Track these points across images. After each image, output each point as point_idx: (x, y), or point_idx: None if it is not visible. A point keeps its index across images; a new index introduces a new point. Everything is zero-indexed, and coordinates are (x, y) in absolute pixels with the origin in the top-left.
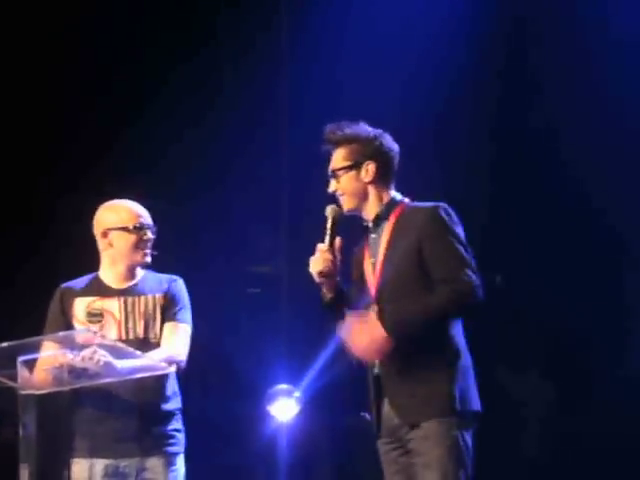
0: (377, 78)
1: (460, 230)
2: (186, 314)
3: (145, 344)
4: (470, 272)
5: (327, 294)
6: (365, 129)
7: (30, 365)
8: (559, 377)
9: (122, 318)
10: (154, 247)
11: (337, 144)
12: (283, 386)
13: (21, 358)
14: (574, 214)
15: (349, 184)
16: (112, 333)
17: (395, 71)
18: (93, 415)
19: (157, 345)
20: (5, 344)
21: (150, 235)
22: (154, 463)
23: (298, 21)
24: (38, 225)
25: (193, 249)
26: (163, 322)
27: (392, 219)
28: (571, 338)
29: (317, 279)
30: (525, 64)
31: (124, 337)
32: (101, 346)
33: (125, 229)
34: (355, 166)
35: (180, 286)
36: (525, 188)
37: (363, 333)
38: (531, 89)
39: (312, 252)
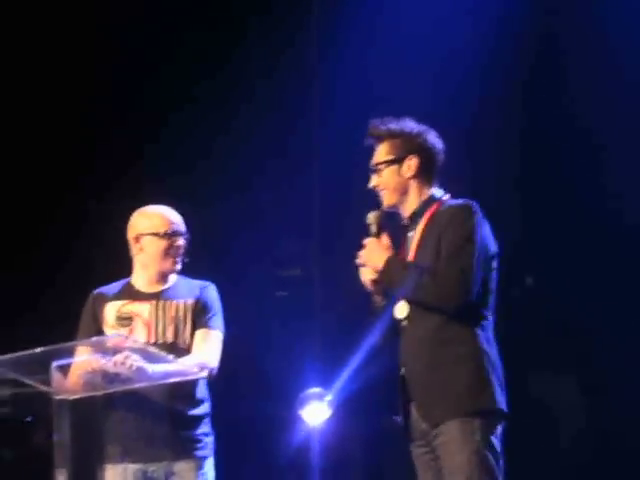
0: (407, 77)
1: (480, 231)
2: (218, 321)
3: (174, 349)
4: (460, 277)
5: (381, 302)
6: (410, 124)
7: (64, 370)
8: (589, 378)
9: (152, 322)
10: (186, 254)
11: (381, 139)
12: (315, 390)
13: (55, 363)
14: (606, 215)
15: (390, 179)
16: (141, 337)
17: (425, 70)
18: (124, 419)
19: (186, 351)
20: (39, 349)
21: (181, 242)
22: (182, 467)
23: (329, 21)
24: (71, 229)
25: (223, 252)
26: (193, 328)
27: (426, 217)
28: (601, 339)
29: (370, 287)
30: (556, 64)
31: (153, 341)
32: (132, 350)
33: (156, 235)
34: (397, 160)
35: (212, 292)
36: (557, 189)
37: (372, 251)
38: (562, 88)
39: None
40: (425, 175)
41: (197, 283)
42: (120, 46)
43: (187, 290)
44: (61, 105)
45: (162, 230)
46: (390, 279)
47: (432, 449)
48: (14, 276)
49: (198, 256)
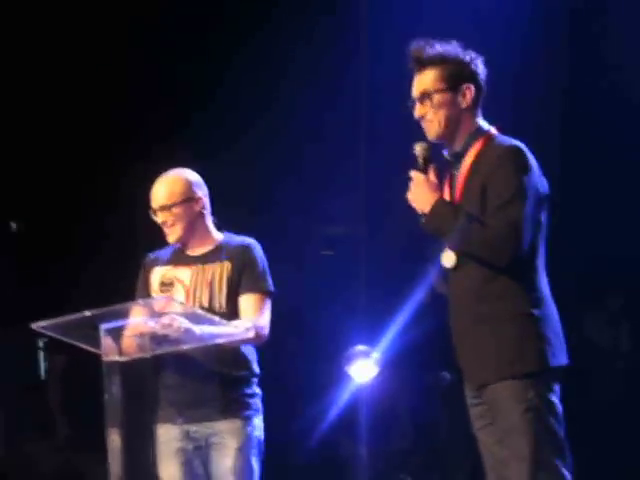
0: (455, 21)
1: (526, 178)
2: (264, 282)
3: (210, 313)
4: (511, 233)
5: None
6: (460, 49)
7: (113, 333)
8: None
9: (191, 287)
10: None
11: (428, 63)
12: (361, 347)
13: (104, 326)
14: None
15: (443, 108)
16: None
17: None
18: (169, 381)
19: (222, 314)
20: (88, 312)
21: (161, 218)
22: (225, 427)
23: None
24: (115, 196)
25: (268, 210)
26: (230, 291)
27: (472, 153)
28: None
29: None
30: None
31: (190, 305)
32: (178, 313)
33: (152, 211)
34: (453, 88)
35: (254, 252)
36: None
37: (419, 190)
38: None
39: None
40: (477, 106)
41: (239, 243)
42: (162, 17)
43: (228, 251)
44: (105, 68)
45: (153, 207)
46: (437, 226)
47: (484, 402)
48: (61, 245)
49: (243, 213)
